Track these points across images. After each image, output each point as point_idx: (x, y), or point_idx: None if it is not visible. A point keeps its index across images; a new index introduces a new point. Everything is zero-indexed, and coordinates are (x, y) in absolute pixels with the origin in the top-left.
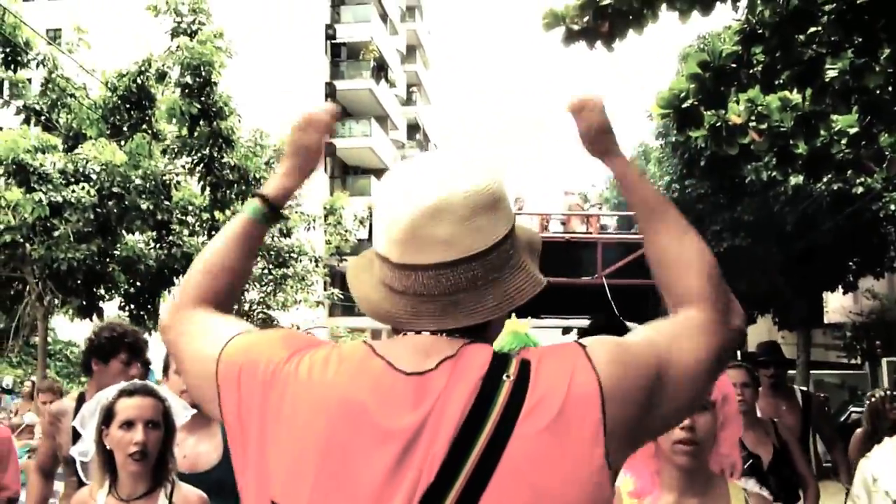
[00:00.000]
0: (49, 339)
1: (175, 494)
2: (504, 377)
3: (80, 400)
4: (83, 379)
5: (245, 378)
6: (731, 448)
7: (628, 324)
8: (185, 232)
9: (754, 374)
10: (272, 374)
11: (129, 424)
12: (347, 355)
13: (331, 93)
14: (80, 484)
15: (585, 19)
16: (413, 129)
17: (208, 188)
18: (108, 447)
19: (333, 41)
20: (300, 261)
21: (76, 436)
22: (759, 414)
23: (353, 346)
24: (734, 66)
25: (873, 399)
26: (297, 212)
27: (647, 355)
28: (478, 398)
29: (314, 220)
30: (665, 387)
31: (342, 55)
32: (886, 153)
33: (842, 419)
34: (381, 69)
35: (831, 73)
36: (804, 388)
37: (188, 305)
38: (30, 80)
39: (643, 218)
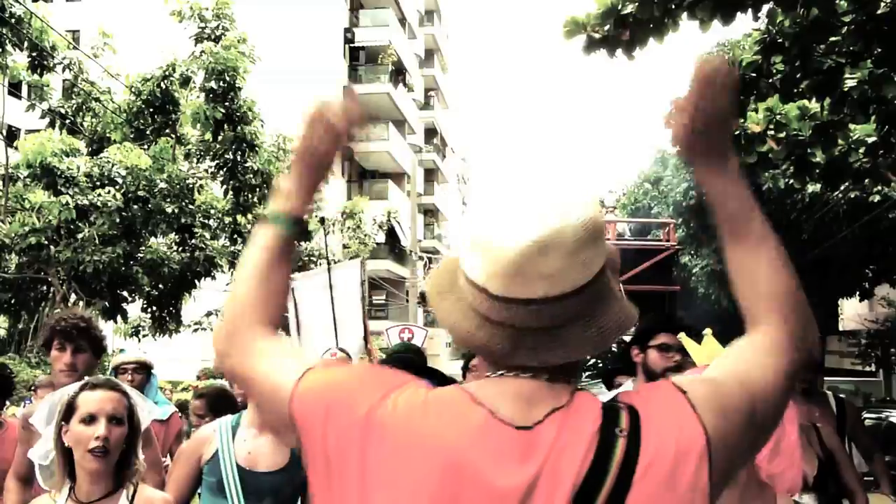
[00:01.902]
0: None
1: (137, 497)
2: (617, 432)
3: None
4: None
5: (335, 419)
6: (787, 461)
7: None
8: (207, 235)
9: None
10: (369, 417)
11: (90, 419)
12: (446, 401)
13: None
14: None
15: (606, 28)
16: (430, 133)
17: (231, 192)
18: (67, 444)
19: (352, 45)
20: (318, 264)
21: None
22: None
23: (449, 391)
24: (754, 75)
25: None
26: (315, 216)
27: (742, 396)
28: (595, 455)
29: (332, 224)
30: (757, 420)
31: (360, 59)
32: None
33: None
34: (399, 73)
35: (850, 83)
36: (839, 395)
37: (244, 329)
38: (50, 84)
39: (727, 231)
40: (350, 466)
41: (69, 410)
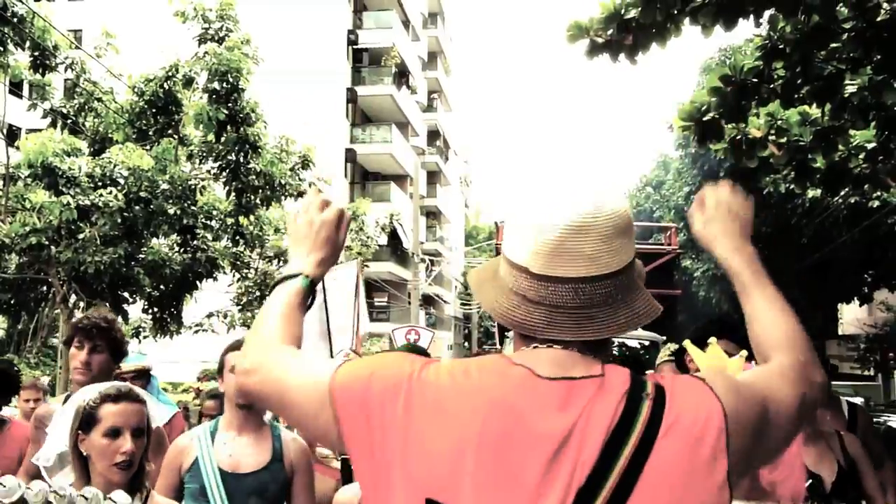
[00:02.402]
0: None
1: (149, 502)
2: (643, 395)
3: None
4: None
5: (377, 387)
6: (787, 470)
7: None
8: (209, 237)
9: None
10: (411, 383)
11: (115, 432)
12: (486, 364)
13: (352, 98)
14: None
15: (609, 32)
16: (433, 135)
17: (233, 193)
18: (84, 453)
19: (355, 47)
20: None
21: None
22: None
23: (489, 357)
24: (755, 80)
25: None
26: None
27: (754, 390)
28: (624, 411)
29: None
30: (768, 421)
31: (364, 61)
32: None
33: None
34: (402, 75)
35: (850, 89)
36: (851, 400)
37: (271, 350)
38: (52, 83)
39: (744, 296)
40: (394, 421)
41: (89, 420)
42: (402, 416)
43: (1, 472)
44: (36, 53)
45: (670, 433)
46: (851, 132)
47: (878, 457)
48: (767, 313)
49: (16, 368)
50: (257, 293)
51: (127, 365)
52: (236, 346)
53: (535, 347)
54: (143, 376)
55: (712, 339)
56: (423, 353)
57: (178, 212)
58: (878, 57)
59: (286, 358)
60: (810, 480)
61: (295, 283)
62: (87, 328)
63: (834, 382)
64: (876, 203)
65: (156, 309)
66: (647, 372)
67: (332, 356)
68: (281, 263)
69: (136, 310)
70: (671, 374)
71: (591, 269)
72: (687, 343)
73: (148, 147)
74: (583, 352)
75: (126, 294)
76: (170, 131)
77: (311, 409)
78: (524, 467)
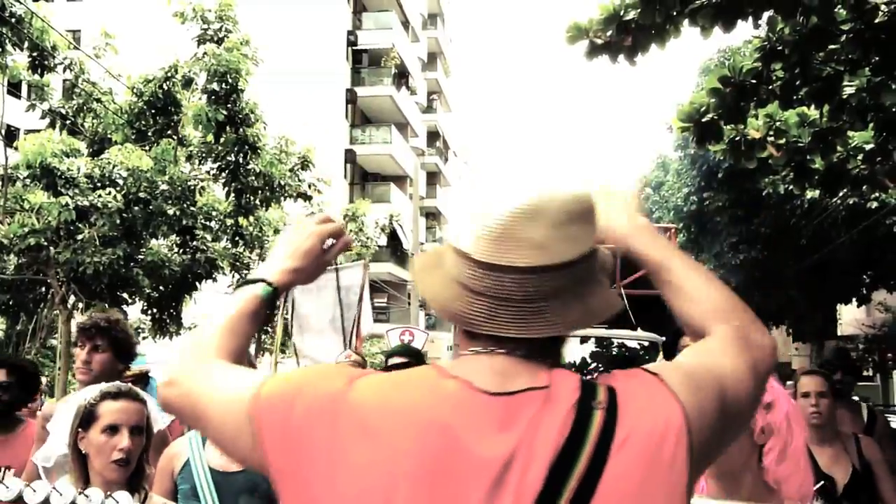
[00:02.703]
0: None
1: (147, 503)
2: (594, 405)
3: None
4: None
5: (301, 411)
6: (793, 465)
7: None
8: (209, 237)
9: (833, 383)
10: (337, 402)
11: (112, 429)
12: (417, 377)
13: (351, 99)
14: None
15: (609, 33)
16: (433, 136)
17: (233, 194)
18: (83, 451)
19: (355, 48)
20: None
21: None
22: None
23: (420, 369)
24: (754, 81)
25: None
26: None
27: (710, 379)
28: (572, 427)
29: None
30: (728, 404)
31: (363, 62)
32: None
33: None
34: (402, 76)
35: (849, 91)
36: (872, 404)
37: (201, 360)
38: (50, 84)
39: (660, 276)
40: (320, 447)
41: (89, 418)
42: (328, 441)
43: (19, 472)
44: (34, 54)
45: (625, 446)
46: (850, 133)
47: (893, 462)
48: (690, 283)
49: (35, 367)
50: None
51: (140, 367)
52: None
53: (474, 353)
54: (143, 381)
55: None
56: (416, 354)
57: (178, 212)
58: (877, 58)
59: (213, 371)
60: (822, 482)
61: (253, 289)
62: (87, 327)
63: None
64: (874, 204)
65: (155, 310)
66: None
67: (345, 349)
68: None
69: (135, 311)
70: (623, 374)
71: (541, 258)
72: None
73: (147, 148)
74: (529, 356)
75: (125, 295)
76: (169, 132)
77: (231, 428)
78: (464, 497)
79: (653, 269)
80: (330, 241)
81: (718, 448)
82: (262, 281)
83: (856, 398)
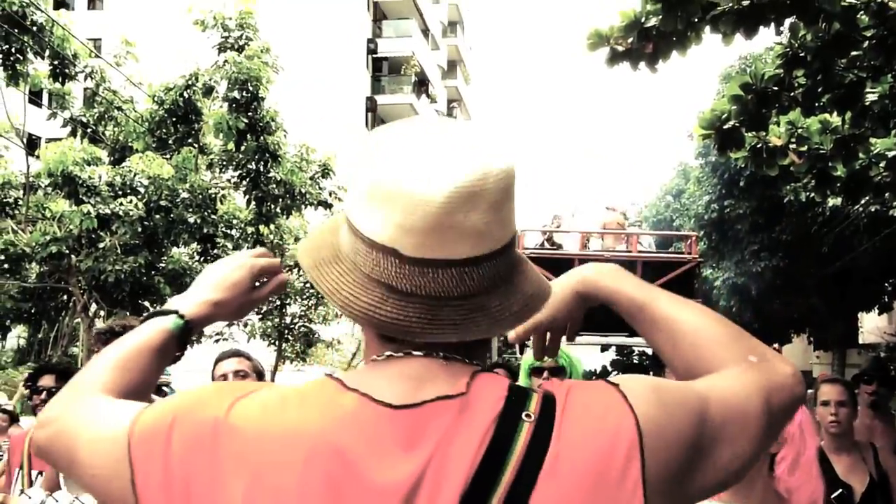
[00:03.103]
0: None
1: None
2: (524, 416)
3: None
4: None
5: (178, 439)
6: (805, 475)
7: None
8: (230, 245)
9: (853, 393)
10: (217, 428)
11: None
12: (310, 392)
13: (371, 107)
14: None
15: (630, 40)
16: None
17: (253, 202)
18: None
19: (375, 56)
20: None
21: None
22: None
23: (316, 382)
24: (776, 88)
25: None
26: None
27: (689, 394)
28: (490, 444)
29: None
30: (710, 431)
31: (383, 70)
32: None
33: None
34: (421, 84)
35: (871, 97)
36: None
37: (78, 395)
38: (71, 92)
39: (642, 318)
40: (196, 482)
41: None
42: (208, 476)
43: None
44: (55, 62)
45: (558, 466)
46: (872, 140)
47: None
48: (686, 321)
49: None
50: (277, 302)
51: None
52: (226, 355)
53: (388, 357)
54: (157, 392)
55: None
56: None
57: (199, 220)
58: None
59: (89, 408)
60: (840, 490)
61: (163, 321)
62: (103, 332)
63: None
64: None
65: None
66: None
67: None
68: (301, 273)
69: None
70: (572, 382)
71: (481, 247)
72: None
73: (168, 156)
74: (450, 358)
75: (146, 303)
76: (190, 140)
77: (104, 470)
78: None
79: (634, 310)
80: (263, 279)
81: (697, 479)
82: (174, 313)
83: (893, 411)
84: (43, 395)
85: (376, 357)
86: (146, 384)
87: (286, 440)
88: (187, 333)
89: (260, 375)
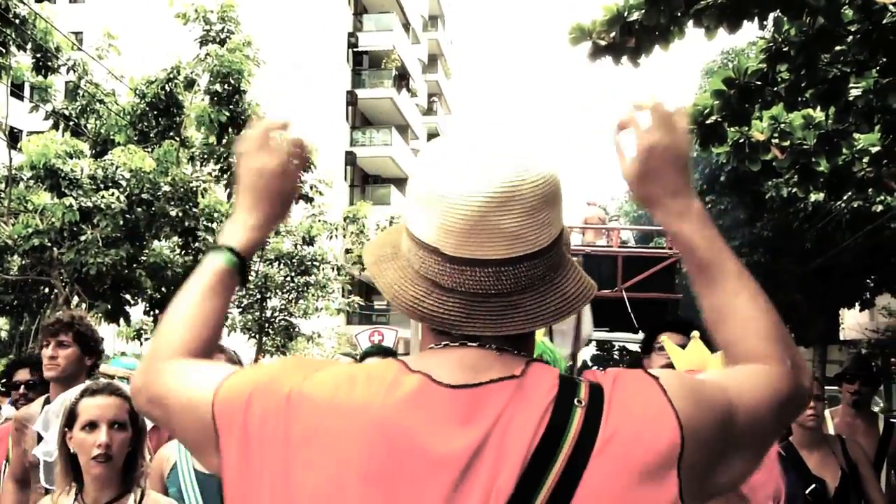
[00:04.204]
0: None
1: (144, 501)
2: (575, 403)
3: (46, 403)
4: None
5: (256, 405)
6: (766, 473)
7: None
8: (211, 239)
9: (823, 387)
10: (291, 399)
11: (91, 425)
12: (376, 373)
13: (352, 101)
14: (47, 491)
15: (612, 35)
16: (433, 138)
17: (235, 195)
18: (72, 450)
19: (355, 50)
20: (322, 269)
21: (41, 441)
22: (832, 432)
23: (382, 363)
24: (758, 83)
25: None
26: (319, 220)
27: (719, 394)
28: (549, 424)
29: (335, 229)
30: (734, 432)
31: (364, 64)
32: None
33: None
34: (402, 78)
35: (854, 92)
36: (891, 419)
37: (164, 360)
38: (54, 85)
39: (702, 277)
40: (272, 446)
41: (71, 416)
42: (281, 444)
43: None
44: (38, 55)
45: (607, 450)
46: (855, 136)
47: None
48: (743, 308)
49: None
50: (258, 296)
51: (115, 369)
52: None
53: (445, 346)
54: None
55: (695, 333)
56: (389, 353)
57: (180, 214)
58: (884, 60)
59: (174, 373)
60: (814, 486)
61: (217, 259)
62: (50, 325)
63: (836, 388)
64: (879, 207)
65: (158, 311)
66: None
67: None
68: (281, 266)
69: (138, 312)
70: (616, 372)
71: (516, 249)
72: (665, 340)
73: (149, 149)
74: (502, 349)
75: (128, 296)
76: (171, 133)
77: (194, 432)
78: (421, 499)
79: (697, 267)
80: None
81: (715, 474)
82: (226, 248)
83: (874, 409)
84: (21, 390)
85: (434, 346)
86: (218, 326)
87: (354, 414)
88: (244, 263)
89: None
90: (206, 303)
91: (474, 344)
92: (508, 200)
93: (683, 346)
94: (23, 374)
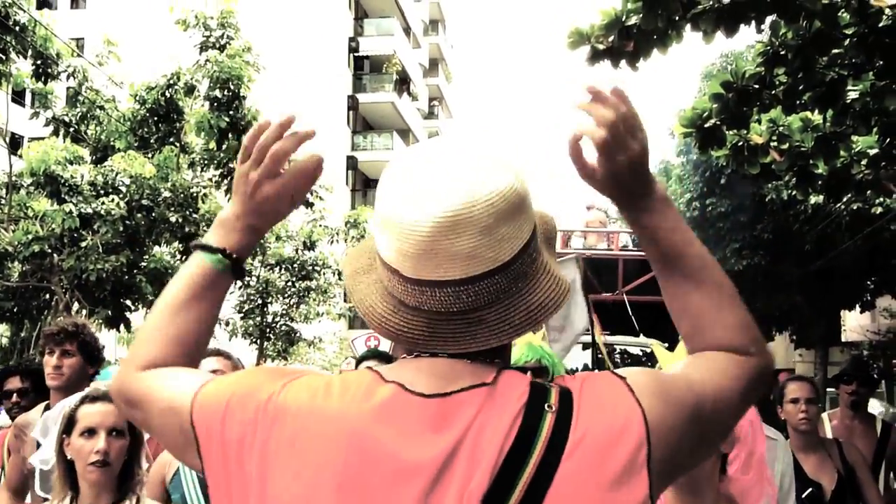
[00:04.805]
0: None
1: None
2: (546, 408)
3: (46, 411)
4: None
5: (234, 414)
6: (756, 475)
7: (647, 339)
8: None
9: (818, 390)
10: (268, 406)
11: (90, 432)
12: (352, 382)
13: (353, 106)
14: (45, 500)
15: (610, 39)
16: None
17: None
18: (69, 457)
19: (356, 54)
20: (323, 274)
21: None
22: (830, 434)
23: (358, 372)
24: (757, 86)
25: None
26: (320, 225)
27: (686, 389)
28: (520, 429)
29: (337, 234)
30: (703, 421)
31: (365, 68)
32: None
33: None
34: (403, 82)
35: (852, 95)
36: (888, 420)
37: (144, 366)
38: (54, 92)
39: (664, 266)
40: (250, 454)
41: (70, 423)
42: (258, 452)
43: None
44: (38, 62)
45: (577, 452)
46: (853, 138)
47: None
48: (704, 294)
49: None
50: (259, 301)
51: (106, 383)
52: (206, 353)
53: (417, 356)
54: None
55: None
56: (386, 357)
57: (180, 219)
58: (881, 62)
59: (154, 382)
60: (810, 489)
61: (205, 260)
62: (54, 333)
63: (830, 389)
64: (878, 209)
65: None
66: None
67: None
68: (282, 271)
69: (138, 317)
70: (584, 375)
71: (473, 268)
72: (654, 344)
73: (150, 155)
74: (474, 357)
75: (128, 302)
76: (171, 139)
77: (175, 439)
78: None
79: (660, 257)
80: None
81: (684, 465)
82: (218, 251)
83: (872, 411)
84: (13, 399)
85: (406, 356)
86: (202, 329)
87: (329, 423)
88: (238, 263)
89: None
90: (191, 302)
91: (445, 355)
92: (459, 223)
93: None
94: (14, 383)
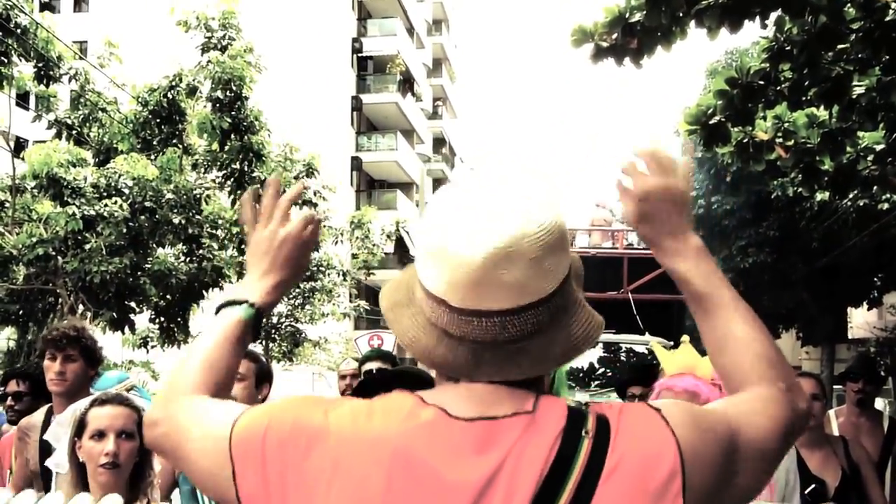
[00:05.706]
0: None
1: None
2: (583, 433)
3: (49, 413)
4: None
5: (273, 440)
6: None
7: (652, 337)
8: (215, 246)
9: (824, 386)
10: (309, 432)
11: (100, 434)
12: (393, 405)
13: (357, 106)
14: None
15: (614, 36)
16: (439, 143)
17: (238, 202)
18: (81, 459)
19: (360, 55)
20: (328, 274)
21: (43, 451)
22: (836, 431)
23: (399, 396)
24: (762, 82)
25: None
26: (324, 226)
27: (721, 423)
28: (558, 454)
29: (341, 234)
30: (738, 457)
31: (368, 69)
32: None
33: None
34: (407, 83)
35: (858, 91)
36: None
37: (178, 396)
38: (57, 94)
39: (699, 308)
40: (291, 481)
41: (81, 426)
42: (301, 477)
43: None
44: (40, 65)
45: (613, 478)
46: (859, 134)
47: None
48: (738, 334)
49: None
50: None
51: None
52: None
53: (455, 382)
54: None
55: (685, 338)
56: (389, 357)
57: (184, 221)
58: (887, 57)
59: (193, 408)
60: (814, 486)
61: (236, 312)
62: (57, 339)
63: (837, 387)
64: (885, 205)
65: (163, 318)
66: (630, 388)
67: None
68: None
69: (143, 319)
70: (620, 405)
71: (521, 299)
72: (655, 346)
73: (152, 157)
74: (512, 385)
75: (133, 304)
76: (174, 141)
77: (210, 466)
78: None
79: (693, 298)
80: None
81: (720, 498)
82: (245, 303)
83: (879, 408)
84: (9, 401)
85: (445, 382)
86: (231, 373)
87: (373, 444)
88: (259, 320)
89: (264, 376)
90: (224, 351)
91: (484, 379)
92: (511, 255)
93: (644, 397)
94: (12, 386)
